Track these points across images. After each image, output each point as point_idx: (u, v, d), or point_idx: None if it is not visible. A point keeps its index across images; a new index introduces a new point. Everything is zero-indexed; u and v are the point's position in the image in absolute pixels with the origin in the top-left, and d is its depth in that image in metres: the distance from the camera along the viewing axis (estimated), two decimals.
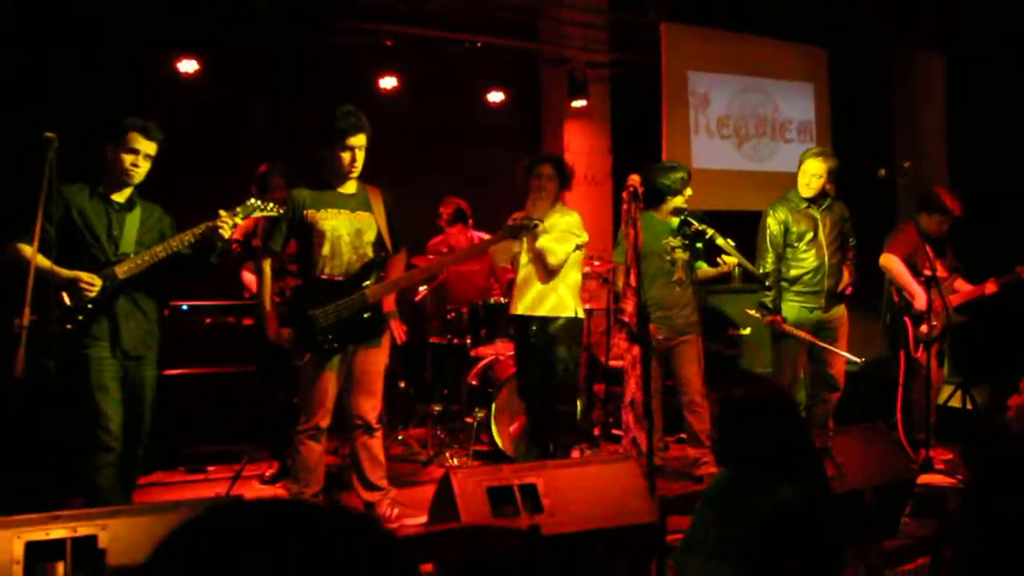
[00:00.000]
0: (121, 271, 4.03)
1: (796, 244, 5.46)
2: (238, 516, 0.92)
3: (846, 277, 5.60)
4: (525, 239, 5.00)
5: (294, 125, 6.71)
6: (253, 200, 4.26)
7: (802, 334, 5.34)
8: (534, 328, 5.06)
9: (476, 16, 7.29)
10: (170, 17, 6.19)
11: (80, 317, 3.96)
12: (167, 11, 6.16)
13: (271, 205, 4.30)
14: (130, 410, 4.13)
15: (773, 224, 5.48)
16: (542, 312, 5.06)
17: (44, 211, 3.66)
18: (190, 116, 6.42)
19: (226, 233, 4.09)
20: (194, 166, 6.08)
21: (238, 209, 4.15)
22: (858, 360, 5.53)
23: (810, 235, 5.45)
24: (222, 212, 4.10)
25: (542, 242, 5.00)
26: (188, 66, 6.34)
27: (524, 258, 5.11)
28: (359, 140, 4.40)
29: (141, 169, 4.12)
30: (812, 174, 5.47)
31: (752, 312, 5.54)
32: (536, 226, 4.74)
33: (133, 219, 4.16)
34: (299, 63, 6.87)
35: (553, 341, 5.05)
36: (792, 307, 5.45)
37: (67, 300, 3.93)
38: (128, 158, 4.06)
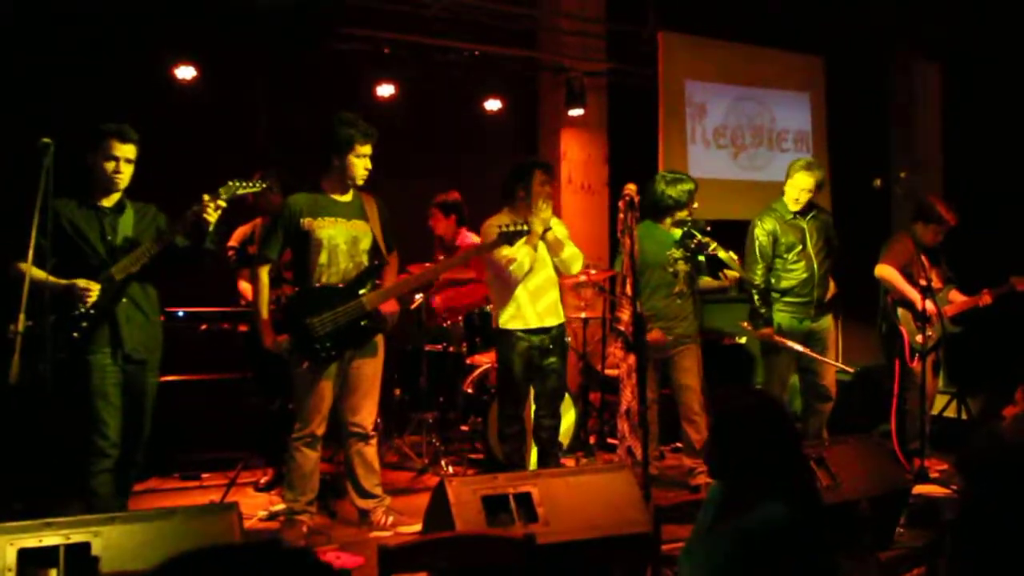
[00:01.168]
0: (117, 272, 4.02)
1: (785, 255, 5.46)
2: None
3: (832, 287, 5.60)
4: (542, 244, 4.93)
5: (291, 131, 6.71)
6: (233, 181, 4.22)
7: (794, 345, 5.34)
8: (537, 339, 4.97)
9: (474, 24, 7.31)
10: (168, 21, 6.19)
11: (84, 324, 3.95)
12: (165, 15, 6.16)
13: (255, 182, 4.28)
14: (130, 416, 4.13)
15: (762, 235, 5.48)
16: (552, 322, 5.01)
17: (40, 220, 3.66)
18: (188, 121, 6.42)
19: (211, 217, 4.08)
20: (192, 170, 6.05)
21: (220, 191, 4.14)
22: (849, 370, 5.52)
23: (799, 246, 5.46)
24: (205, 196, 4.09)
25: (572, 249, 5.00)
26: (186, 71, 6.34)
27: (539, 265, 4.97)
28: (369, 149, 4.43)
29: (124, 174, 4.11)
30: (802, 188, 5.46)
31: (744, 325, 5.54)
32: (530, 232, 4.74)
33: (126, 221, 4.15)
34: (297, 69, 6.87)
35: (558, 349, 5.05)
36: (783, 317, 5.45)
37: (69, 309, 3.92)
38: (109, 165, 4.06)
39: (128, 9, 6.06)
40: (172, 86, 6.34)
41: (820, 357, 5.41)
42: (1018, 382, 4.65)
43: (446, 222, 6.41)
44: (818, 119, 8.68)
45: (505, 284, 4.95)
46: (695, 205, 5.37)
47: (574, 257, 5.02)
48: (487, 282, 5.15)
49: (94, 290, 3.96)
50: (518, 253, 4.81)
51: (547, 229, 4.88)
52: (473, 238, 6.50)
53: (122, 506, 4.19)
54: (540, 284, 4.98)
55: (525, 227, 4.68)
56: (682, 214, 5.34)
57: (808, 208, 5.52)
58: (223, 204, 4.13)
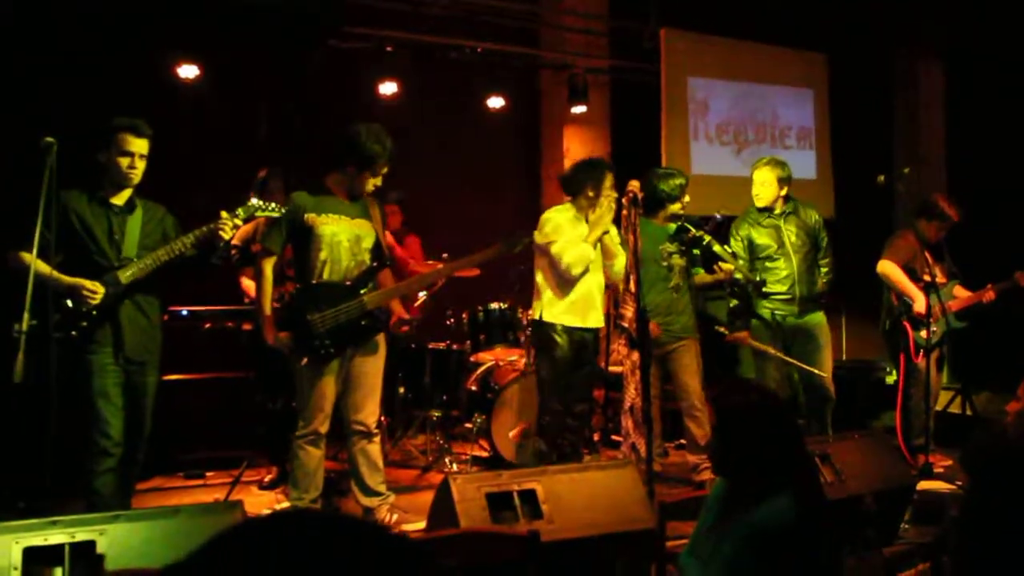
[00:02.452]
0: (124, 276, 4.02)
1: (764, 256, 5.48)
2: (262, 532, 0.91)
3: (820, 284, 5.60)
4: (600, 248, 4.91)
5: (295, 130, 6.71)
6: (254, 201, 4.26)
7: (770, 349, 5.34)
8: (579, 336, 4.95)
9: (476, 22, 7.31)
10: (171, 21, 6.20)
11: (84, 323, 3.95)
12: (167, 15, 6.17)
13: (272, 205, 4.30)
14: (130, 415, 4.13)
15: (735, 243, 5.54)
16: (595, 323, 5.01)
17: (44, 216, 3.66)
18: (191, 120, 6.43)
19: (226, 234, 4.10)
20: (195, 170, 6.09)
21: (239, 210, 4.16)
22: (824, 374, 5.48)
23: (774, 246, 5.46)
24: (223, 213, 4.11)
25: (623, 256, 4.93)
26: (189, 71, 6.34)
27: (591, 266, 4.93)
28: (386, 168, 4.45)
29: (138, 170, 4.10)
30: (760, 183, 5.51)
31: (720, 329, 5.55)
32: (530, 239, 4.74)
33: (135, 221, 4.15)
34: (300, 68, 6.88)
35: (593, 348, 5.06)
36: (766, 314, 5.45)
37: (70, 305, 3.92)
38: (124, 161, 4.05)
39: (129, 8, 6.07)
40: (174, 85, 6.34)
41: (795, 361, 5.40)
42: (1021, 377, 4.64)
43: (402, 217, 6.58)
44: (821, 115, 8.66)
45: (561, 279, 4.90)
46: (686, 199, 5.38)
47: (621, 267, 4.99)
48: (538, 272, 5.06)
49: (99, 293, 3.96)
50: (579, 250, 4.80)
51: (605, 232, 4.88)
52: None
53: (124, 505, 4.19)
54: (590, 286, 4.96)
55: (527, 239, 4.72)
56: (674, 207, 5.34)
57: (784, 204, 5.52)
58: (239, 223, 4.17)
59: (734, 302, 5.45)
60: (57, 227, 3.85)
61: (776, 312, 5.44)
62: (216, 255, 4.19)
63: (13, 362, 3.45)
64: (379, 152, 4.37)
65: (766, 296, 5.45)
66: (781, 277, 5.44)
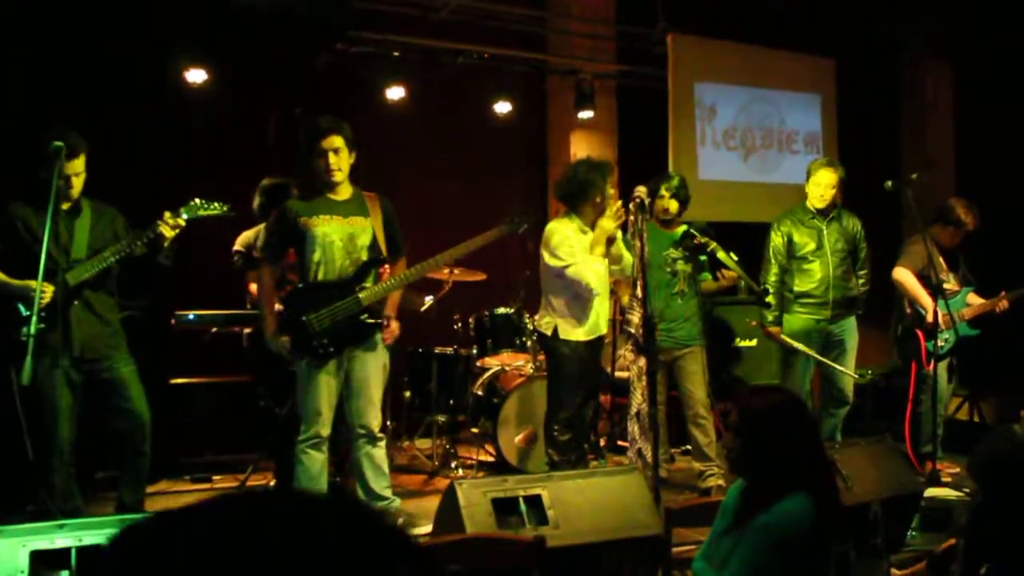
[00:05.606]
0: (72, 277, 4.05)
1: (800, 256, 5.48)
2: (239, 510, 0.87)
3: (856, 290, 5.58)
4: (609, 251, 4.85)
5: (301, 135, 6.71)
6: (197, 200, 4.25)
7: (800, 346, 5.33)
8: (592, 348, 4.95)
9: (483, 27, 7.31)
10: (178, 25, 6.21)
11: (41, 326, 3.93)
12: (174, 20, 6.18)
13: (215, 204, 4.29)
14: (114, 411, 4.18)
15: (776, 237, 5.53)
16: (603, 331, 5.00)
17: (52, 224, 3.69)
18: (199, 125, 6.44)
19: (167, 233, 4.10)
20: (203, 176, 6.08)
21: (181, 210, 4.18)
22: (856, 376, 5.50)
23: (813, 246, 5.46)
24: (166, 213, 4.13)
25: (629, 257, 4.90)
26: (196, 76, 6.34)
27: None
28: (332, 142, 4.34)
29: (75, 187, 4.13)
30: (826, 185, 5.49)
31: (754, 323, 5.56)
32: (525, 224, 4.74)
33: (83, 224, 4.17)
34: (308, 72, 6.88)
35: (600, 352, 5.07)
36: (799, 318, 5.46)
37: (22, 309, 3.94)
38: (60, 183, 4.01)
39: (136, 13, 6.08)
40: (180, 92, 6.34)
41: (829, 362, 5.40)
42: None
43: None
44: (828, 121, 8.64)
45: (579, 299, 4.83)
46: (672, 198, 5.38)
47: (630, 264, 4.91)
48: (552, 293, 4.93)
49: (48, 292, 3.95)
50: (594, 268, 4.73)
51: (612, 239, 4.82)
52: None
53: (136, 502, 4.23)
54: (601, 297, 4.93)
55: (530, 220, 4.78)
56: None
57: (831, 210, 5.52)
58: (181, 223, 4.13)
59: (771, 299, 5.44)
60: (2, 235, 3.87)
61: (809, 317, 5.45)
62: (163, 255, 4.20)
63: (21, 365, 3.47)
64: (316, 131, 4.32)
65: (799, 296, 5.46)
66: (815, 280, 5.46)
